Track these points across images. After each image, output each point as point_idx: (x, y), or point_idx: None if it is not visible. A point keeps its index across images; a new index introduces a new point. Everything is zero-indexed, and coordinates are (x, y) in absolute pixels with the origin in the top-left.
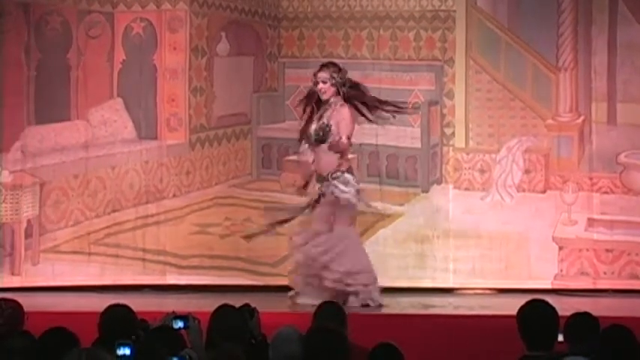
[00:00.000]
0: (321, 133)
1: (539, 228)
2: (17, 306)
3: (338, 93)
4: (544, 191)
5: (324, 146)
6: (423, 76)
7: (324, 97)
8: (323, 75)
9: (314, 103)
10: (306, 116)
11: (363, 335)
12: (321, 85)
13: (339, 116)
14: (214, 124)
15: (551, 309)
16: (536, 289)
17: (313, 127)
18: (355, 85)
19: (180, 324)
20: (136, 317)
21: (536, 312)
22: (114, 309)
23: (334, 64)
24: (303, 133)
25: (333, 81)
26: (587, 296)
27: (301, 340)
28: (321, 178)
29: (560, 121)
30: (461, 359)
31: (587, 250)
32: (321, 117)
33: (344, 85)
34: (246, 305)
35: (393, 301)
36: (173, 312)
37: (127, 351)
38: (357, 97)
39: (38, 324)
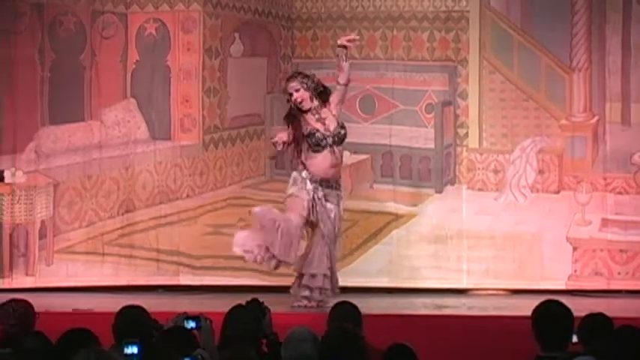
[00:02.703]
0: (342, 132)
1: (552, 228)
2: (28, 306)
3: (313, 98)
4: (558, 192)
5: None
6: (437, 76)
7: (304, 106)
8: (293, 85)
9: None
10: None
11: (376, 336)
12: (295, 95)
13: (332, 99)
14: (228, 124)
15: (567, 310)
16: (550, 290)
17: (331, 128)
18: (324, 90)
19: (192, 324)
20: (150, 318)
21: (552, 312)
22: (128, 310)
23: (299, 73)
24: (296, 141)
25: (305, 86)
26: (601, 297)
27: (314, 341)
28: (329, 185)
29: (574, 122)
30: None
31: (601, 250)
32: (322, 120)
33: (316, 89)
34: (255, 300)
35: (407, 301)
36: (185, 313)
37: (134, 349)
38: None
39: (52, 324)
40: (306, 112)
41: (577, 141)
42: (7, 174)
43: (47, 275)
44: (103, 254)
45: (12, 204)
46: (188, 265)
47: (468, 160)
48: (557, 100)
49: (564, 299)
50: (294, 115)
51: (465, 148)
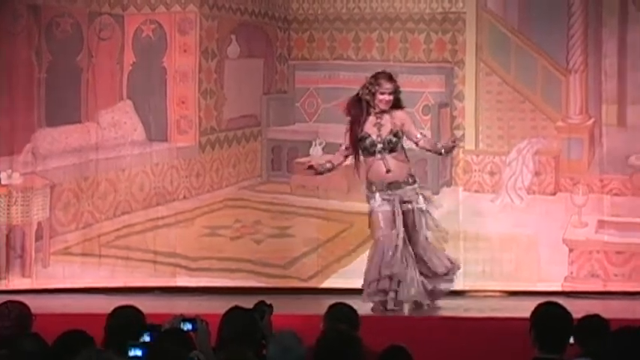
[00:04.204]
0: (394, 140)
1: (549, 230)
2: (24, 308)
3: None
4: (554, 193)
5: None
6: (433, 78)
7: (382, 107)
8: (390, 87)
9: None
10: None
11: (372, 337)
12: (387, 98)
13: (404, 117)
14: (224, 126)
15: (566, 312)
16: (547, 292)
17: (384, 135)
18: (399, 100)
19: (188, 326)
20: (144, 319)
21: (551, 314)
22: (121, 310)
23: (393, 75)
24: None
25: (396, 92)
26: (598, 298)
27: (300, 344)
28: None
29: (571, 123)
30: None
31: (598, 252)
32: (379, 125)
33: (398, 99)
34: (262, 302)
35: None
36: (181, 314)
37: (138, 352)
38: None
39: (49, 326)
40: (373, 111)
41: (573, 143)
42: (3, 175)
43: (44, 277)
44: (100, 256)
45: (8, 205)
46: (185, 267)
47: (464, 162)
48: (554, 102)
49: (561, 301)
50: (360, 108)
51: (461, 150)
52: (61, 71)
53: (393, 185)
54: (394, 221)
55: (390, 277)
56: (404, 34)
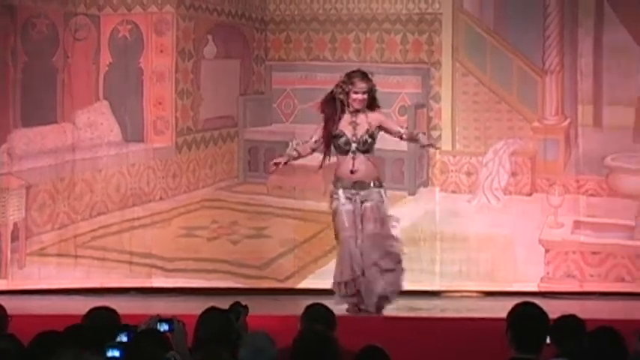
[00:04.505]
0: (369, 141)
1: (525, 231)
2: (0, 309)
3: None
4: (530, 194)
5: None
6: (410, 79)
7: (356, 107)
8: (365, 86)
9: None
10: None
11: (349, 338)
12: (361, 97)
13: (380, 117)
14: (201, 126)
15: (542, 312)
16: (523, 292)
17: (359, 134)
18: (375, 99)
19: (165, 327)
20: (120, 319)
21: (528, 314)
22: (97, 312)
23: (370, 75)
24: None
25: (371, 91)
26: (574, 299)
27: (272, 345)
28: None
29: (547, 124)
30: None
31: (574, 252)
32: (354, 124)
33: (374, 98)
34: (237, 303)
35: None
36: (158, 315)
37: (116, 353)
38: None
39: (25, 327)
40: (347, 110)
41: (549, 143)
42: None
43: (19, 278)
44: (76, 257)
45: None
46: (161, 268)
47: (441, 163)
48: (530, 102)
49: (537, 301)
50: (334, 107)
51: (438, 151)
52: (36, 72)
53: (358, 185)
54: (355, 221)
55: (362, 275)
56: (380, 35)
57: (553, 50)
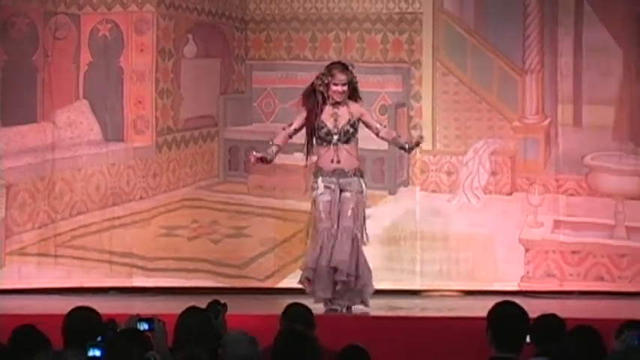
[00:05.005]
0: (351, 130)
1: (505, 230)
2: None
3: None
4: (510, 193)
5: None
6: (390, 78)
7: (336, 99)
8: (344, 78)
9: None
10: (305, 114)
11: (329, 337)
12: (341, 89)
13: (361, 110)
14: (181, 126)
15: (522, 311)
16: (503, 291)
17: (340, 125)
18: (356, 90)
19: (145, 326)
20: (101, 319)
21: (508, 313)
22: (77, 312)
23: (350, 67)
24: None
25: (351, 82)
26: (554, 298)
27: (252, 344)
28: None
29: (527, 123)
30: None
31: (554, 251)
32: (335, 116)
33: (354, 88)
34: (215, 301)
35: None
36: (138, 315)
37: (97, 352)
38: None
39: (4, 326)
40: (328, 102)
41: (529, 143)
42: None
43: None
44: (56, 256)
45: None
46: (141, 267)
47: (421, 162)
48: (510, 102)
49: (517, 300)
50: (315, 99)
51: (418, 150)
52: (16, 71)
53: (338, 172)
54: (331, 211)
55: (334, 269)
56: (361, 35)
57: (533, 50)
